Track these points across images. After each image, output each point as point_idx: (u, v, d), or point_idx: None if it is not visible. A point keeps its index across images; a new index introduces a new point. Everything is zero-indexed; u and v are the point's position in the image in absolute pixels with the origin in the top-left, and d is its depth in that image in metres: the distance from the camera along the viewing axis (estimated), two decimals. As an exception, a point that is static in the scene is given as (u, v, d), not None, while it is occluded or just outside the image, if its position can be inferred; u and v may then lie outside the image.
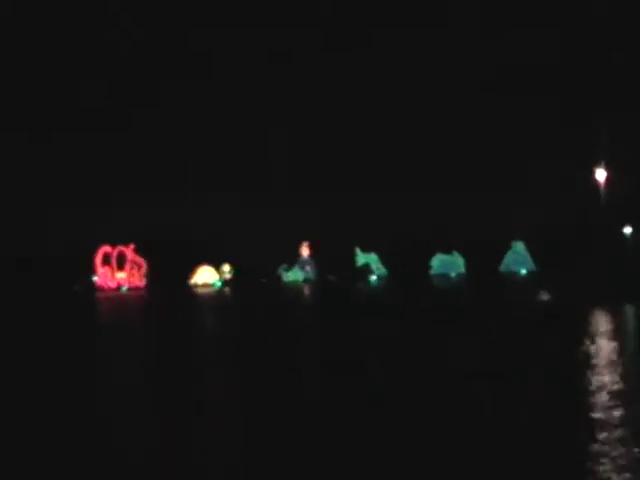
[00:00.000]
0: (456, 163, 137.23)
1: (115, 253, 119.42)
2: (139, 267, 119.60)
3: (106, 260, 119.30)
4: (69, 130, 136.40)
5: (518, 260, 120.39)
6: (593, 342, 22.67)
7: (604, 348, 21.47)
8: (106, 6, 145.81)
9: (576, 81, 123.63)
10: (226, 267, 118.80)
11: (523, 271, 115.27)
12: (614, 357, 19.73)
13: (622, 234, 56.26)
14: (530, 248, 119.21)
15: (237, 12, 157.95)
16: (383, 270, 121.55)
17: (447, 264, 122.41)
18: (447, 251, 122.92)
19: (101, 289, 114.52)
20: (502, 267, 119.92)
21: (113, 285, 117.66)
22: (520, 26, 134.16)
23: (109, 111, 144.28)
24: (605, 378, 16.44)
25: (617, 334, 25.38)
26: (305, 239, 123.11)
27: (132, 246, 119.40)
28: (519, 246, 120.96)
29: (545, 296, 43.79)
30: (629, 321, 31.61)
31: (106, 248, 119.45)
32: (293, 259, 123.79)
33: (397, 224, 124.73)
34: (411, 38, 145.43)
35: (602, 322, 29.89)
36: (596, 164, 52.66)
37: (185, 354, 24.79)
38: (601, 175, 52.01)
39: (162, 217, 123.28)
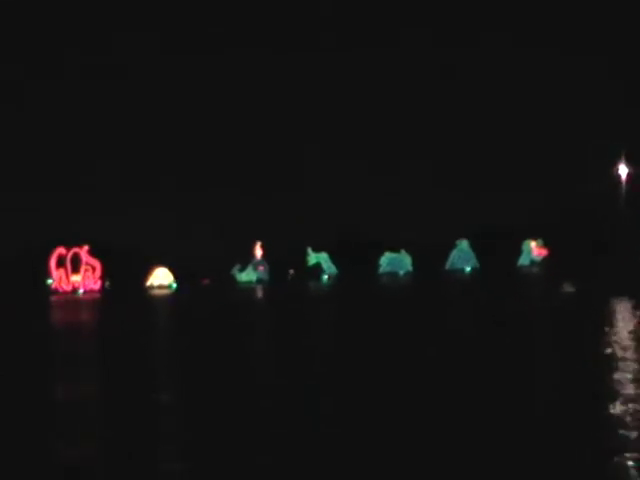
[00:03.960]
0: (409, 162, 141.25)
1: (69, 255, 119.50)
2: (93, 269, 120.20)
3: (61, 262, 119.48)
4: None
5: (463, 258, 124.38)
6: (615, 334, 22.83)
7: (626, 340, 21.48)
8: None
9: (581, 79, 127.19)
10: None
11: (468, 269, 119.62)
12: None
13: None
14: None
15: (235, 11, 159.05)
16: (334, 269, 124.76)
17: (395, 262, 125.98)
18: (395, 249, 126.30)
19: (57, 292, 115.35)
20: (448, 265, 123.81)
21: (68, 288, 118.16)
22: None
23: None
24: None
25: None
26: (258, 239, 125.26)
27: (86, 248, 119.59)
28: (464, 244, 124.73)
29: (570, 288, 43.92)
30: None
31: (60, 250, 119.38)
32: (247, 259, 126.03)
33: (346, 223, 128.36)
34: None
35: (626, 314, 29.91)
36: (618, 159, 54.14)
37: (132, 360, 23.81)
38: (623, 170, 53.83)
39: (115, 219, 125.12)
